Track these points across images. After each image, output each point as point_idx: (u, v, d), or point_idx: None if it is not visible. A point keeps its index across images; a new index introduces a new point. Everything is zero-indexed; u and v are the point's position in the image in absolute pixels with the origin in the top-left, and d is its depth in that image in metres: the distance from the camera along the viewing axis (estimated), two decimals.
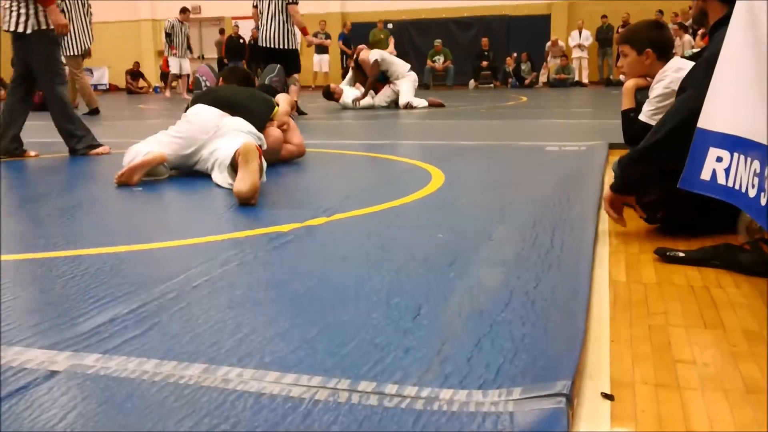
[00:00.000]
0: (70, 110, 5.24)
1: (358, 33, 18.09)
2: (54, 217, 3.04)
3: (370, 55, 9.92)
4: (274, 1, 8.02)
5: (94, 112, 9.70)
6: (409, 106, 9.68)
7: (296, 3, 8.01)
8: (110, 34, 21.93)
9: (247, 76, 4.74)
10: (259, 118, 4.06)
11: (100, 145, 5.21)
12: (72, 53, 9.34)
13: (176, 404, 1.22)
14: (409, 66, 10.25)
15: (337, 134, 4.96)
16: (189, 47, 13.99)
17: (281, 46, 8.09)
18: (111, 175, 3.82)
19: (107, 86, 21.46)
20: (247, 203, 3.00)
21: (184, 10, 13.13)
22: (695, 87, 2.30)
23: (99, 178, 4.07)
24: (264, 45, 8.24)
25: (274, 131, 4.19)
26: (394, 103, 9.95)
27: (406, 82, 9.94)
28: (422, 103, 9.92)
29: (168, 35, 13.00)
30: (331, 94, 10.24)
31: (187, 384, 1.30)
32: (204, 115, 3.87)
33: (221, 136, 3.73)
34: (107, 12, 21.77)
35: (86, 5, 9.46)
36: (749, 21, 1.90)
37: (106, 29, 21.91)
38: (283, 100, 4.46)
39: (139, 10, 22.01)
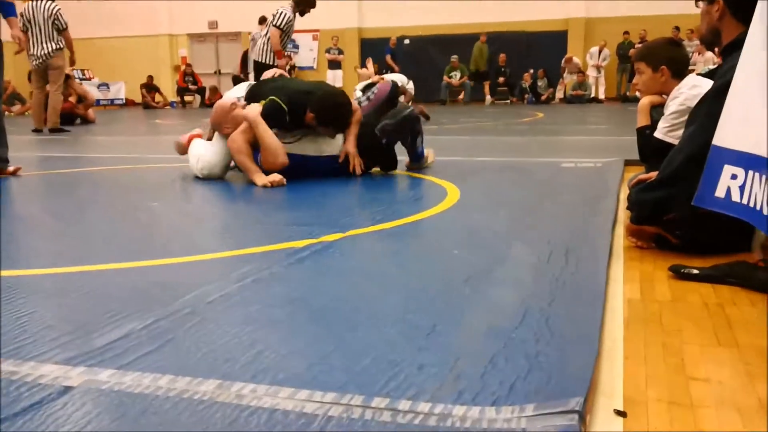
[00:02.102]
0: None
1: (375, 49, 18.22)
2: (68, 232, 3.07)
3: (386, 79, 10.45)
4: (269, 20, 8.62)
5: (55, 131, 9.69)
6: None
7: (278, 27, 8.39)
8: (127, 49, 21.99)
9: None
10: None
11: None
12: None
13: (190, 420, 1.23)
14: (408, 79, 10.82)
15: None
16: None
17: (262, 60, 8.72)
18: (118, 190, 3.96)
19: (124, 101, 21.50)
20: None
21: (263, 20, 12.89)
22: (701, 121, 2.30)
23: (108, 194, 4.09)
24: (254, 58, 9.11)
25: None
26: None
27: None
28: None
29: (254, 41, 12.72)
30: None
31: (201, 400, 1.30)
32: None
33: None
34: (125, 27, 21.89)
35: (49, 15, 9.14)
36: (766, 38, 1.91)
37: (122, 44, 22.03)
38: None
39: (158, 25, 22.03)
